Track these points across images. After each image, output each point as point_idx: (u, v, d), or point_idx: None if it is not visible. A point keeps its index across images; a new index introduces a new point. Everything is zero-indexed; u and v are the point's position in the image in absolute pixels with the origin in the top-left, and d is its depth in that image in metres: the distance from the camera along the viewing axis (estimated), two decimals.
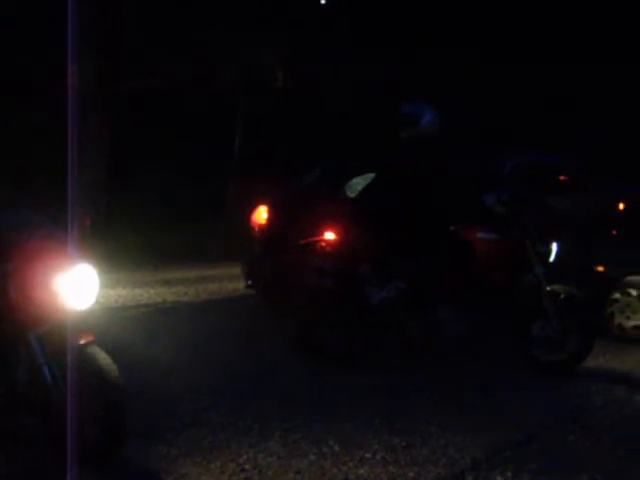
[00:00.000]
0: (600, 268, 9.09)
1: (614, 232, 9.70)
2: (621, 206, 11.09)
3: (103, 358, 4.77)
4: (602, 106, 17.94)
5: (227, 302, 10.73)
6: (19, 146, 14.10)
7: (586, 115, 17.72)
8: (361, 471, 4.92)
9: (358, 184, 9.55)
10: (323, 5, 17.94)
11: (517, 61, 18.43)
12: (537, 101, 18.27)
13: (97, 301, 4.89)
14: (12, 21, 14.18)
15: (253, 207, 10.22)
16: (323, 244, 7.94)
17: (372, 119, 16.38)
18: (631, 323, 8.85)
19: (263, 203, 10.14)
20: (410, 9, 18.42)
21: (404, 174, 7.49)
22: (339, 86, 17.91)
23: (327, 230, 8.04)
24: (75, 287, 4.70)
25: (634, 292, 8.87)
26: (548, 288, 7.30)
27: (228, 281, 11.88)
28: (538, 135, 16.18)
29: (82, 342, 4.71)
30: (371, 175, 8.12)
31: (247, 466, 4.93)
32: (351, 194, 9.61)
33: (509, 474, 4.91)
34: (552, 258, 7.49)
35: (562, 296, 7.34)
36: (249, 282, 10.13)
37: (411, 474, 4.89)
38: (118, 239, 14.47)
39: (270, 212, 10.02)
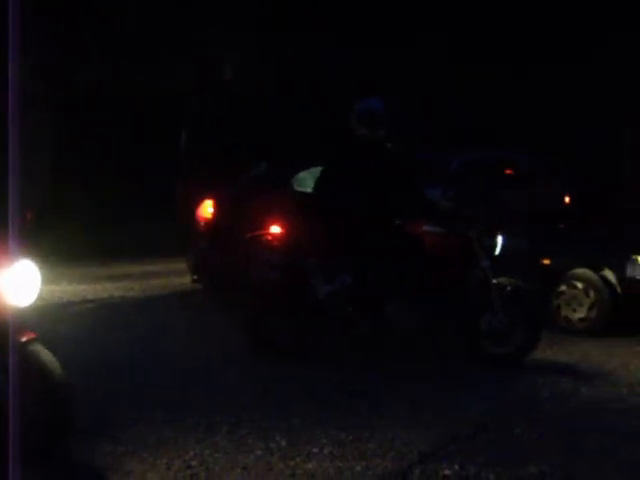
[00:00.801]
0: (546, 261, 9.16)
1: (560, 225, 9.77)
2: (567, 199, 11.17)
3: (46, 355, 4.68)
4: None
5: (173, 297, 10.67)
6: None
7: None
8: (309, 466, 4.90)
9: (305, 178, 9.53)
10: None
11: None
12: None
13: (41, 297, 4.81)
14: None
15: (199, 202, 10.16)
16: (269, 237, 7.92)
17: (322, 116, 16.38)
18: (577, 316, 8.92)
19: (209, 198, 10.09)
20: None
21: (350, 168, 7.47)
22: (289, 83, 17.86)
23: (273, 224, 8.03)
24: (16, 284, 4.62)
25: (580, 285, 8.94)
26: (494, 281, 7.32)
27: (175, 276, 11.82)
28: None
29: (24, 340, 4.63)
30: (317, 169, 8.09)
31: (194, 462, 4.89)
32: (298, 188, 9.59)
33: (456, 467, 4.91)
34: (498, 251, 7.52)
35: (508, 289, 7.38)
36: (195, 277, 10.08)
37: (358, 468, 4.88)
38: (64, 235, 14.32)
39: (216, 206, 9.97)
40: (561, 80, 18.11)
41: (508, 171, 10.81)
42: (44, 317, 7.99)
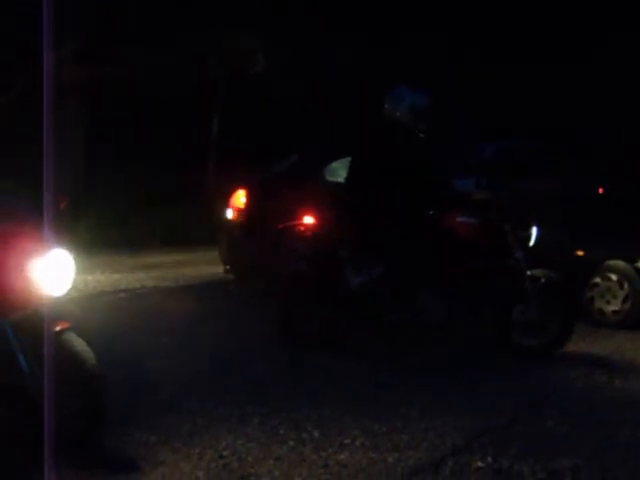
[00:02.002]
0: (580, 252, 9.10)
1: (595, 216, 9.69)
2: (601, 191, 11.10)
3: (79, 345, 4.71)
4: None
5: (206, 287, 10.68)
6: None
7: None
8: (341, 457, 4.89)
9: (337, 168, 9.53)
10: None
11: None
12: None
13: (75, 287, 4.83)
14: None
15: (231, 192, 10.17)
16: (302, 228, 7.90)
17: (351, 103, 16.36)
18: (611, 308, 8.87)
19: (241, 187, 10.09)
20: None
21: (382, 158, 7.45)
22: (317, 71, 17.85)
23: (306, 214, 8.01)
24: (50, 273, 4.64)
25: (614, 277, 8.88)
26: (528, 272, 7.29)
27: (207, 266, 11.84)
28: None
29: (58, 329, 4.65)
30: (349, 159, 8.07)
31: (226, 452, 4.90)
32: (330, 178, 9.58)
33: (489, 459, 4.90)
34: (532, 242, 7.47)
35: (542, 280, 7.34)
36: (227, 267, 10.10)
37: (391, 460, 4.87)
38: (97, 223, 14.40)
39: (248, 196, 9.97)
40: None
41: (543, 162, 10.73)
42: (78, 307, 8.05)
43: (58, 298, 4.73)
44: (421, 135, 7.59)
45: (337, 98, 17.74)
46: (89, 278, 10.46)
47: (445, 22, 18.52)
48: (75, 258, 4.75)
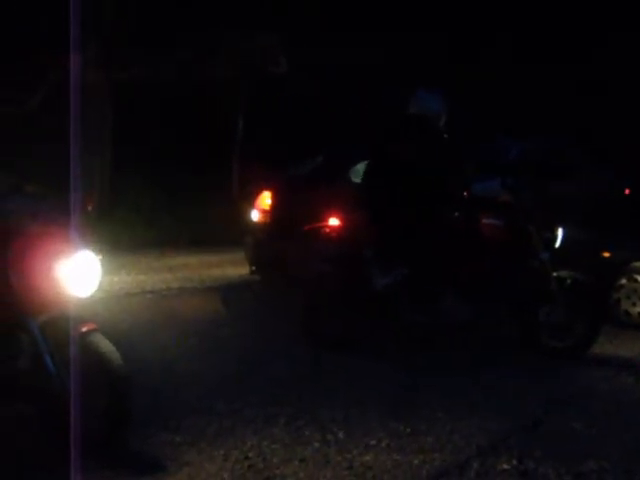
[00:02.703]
0: (606, 254, 9.05)
1: (620, 217, 9.65)
2: (627, 192, 11.05)
3: (106, 346, 4.73)
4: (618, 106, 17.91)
5: (232, 288, 10.70)
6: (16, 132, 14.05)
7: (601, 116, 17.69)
8: (366, 458, 4.90)
9: (362, 170, 9.51)
10: None
11: (518, 61, 18.42)
12: (539, 100, 18.21)
13: (101, 288, 4.85)
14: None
15: (257, 193, 10.18)
16: (327, 229, 7.91)
17: (373, 104, 16.35)
18: (637, 309, 8.81)
19: (267, 189, 10.11)
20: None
21: (407, 160, 7.45)
22: (338, 71, 17.83)
23: (331, 216, 8.01)
24: (77, 274, 4.67)
25: None
26: (554, 274, 7.26)
27: (232, 267, 11.86)
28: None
29: (84, 330, 4.68)
30: (373, 160, 8.07)
31: (251, 454, 4.91)
32: (355, 179, 9.58)
33: (514, 461, 4.89)
34: (558, 244, 7.45)
35: (568, 282, 7.31)
36: (253, 268, 10.11)
37: (416, 461, 4.87)
38: (123, 224, 14.46)
39: (274, 197, 9.98)
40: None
41: (568, 163, 10.69)
42: (104, 308, 8.10)
43: (84, 299, 4.76)
44: (445, 136, 7.59)
45: (358, 98, 17.71)
46: (115, 279, 10.50)
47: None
48: (101, 259, 4.78)
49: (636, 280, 8.83)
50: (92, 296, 4.82)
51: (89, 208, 5.49)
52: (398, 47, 17.69)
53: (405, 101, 7.68)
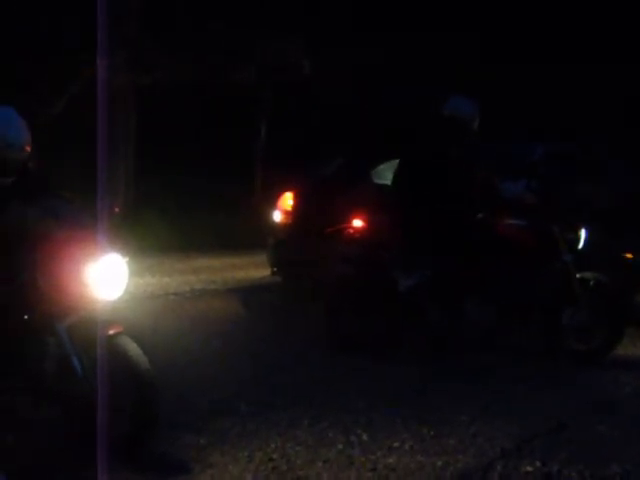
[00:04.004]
0: (629, 255, 9.01)
1: None
2: None
3: (133, 349, 4.76)
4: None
5: (254, 290, 10.74)
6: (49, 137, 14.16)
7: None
8: (389, 460, 4.91)
9: (385, 170, 9.52)
10: None
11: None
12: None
13: (126, 290, 4.89)
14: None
15: (279, 194, 10.21)
16: (350, 231, 7.92)
17: (398, 107, 16.36)
18: None
19: (289, 190, 10.13)
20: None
21: (430, 161, 7.45)
22: (360, 73, 17.85)
23: (354, 217, 8.02)
24: (104, 277, 4.71)
25: None
26: (578, 276, 7.24)
27: (255, 269, 11.89)
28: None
29: (111, 333, 4.72)
30: (397, 162, 8.08)
31: (275, 455, 4.93)
32: (377, 181, 9.59)
33: (538, 464, 4.89)
34: (581, 245, 7.42)
35: (592, 284, 7.28)
36: (274, 269, 10.13)
37: (439, 463, 4.88)
38: (147, 227, 14.53)
39: (296, 199, 10.00)
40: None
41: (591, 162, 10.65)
42: (130, 310, 8.13)
43: (111, 302, 4.80)
44: (469, 139, 7.58)
45: (380, 100, 17.72)
46: (140, 281, 10.56)
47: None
48: (128, 261, 4.82)
49: None
50: (119, 298, 4.86)
51: (116, 210, 5.54)
52: (419, 47, 17.68)
53: (437, 102, 7.68)
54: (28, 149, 4.98)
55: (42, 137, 13.68)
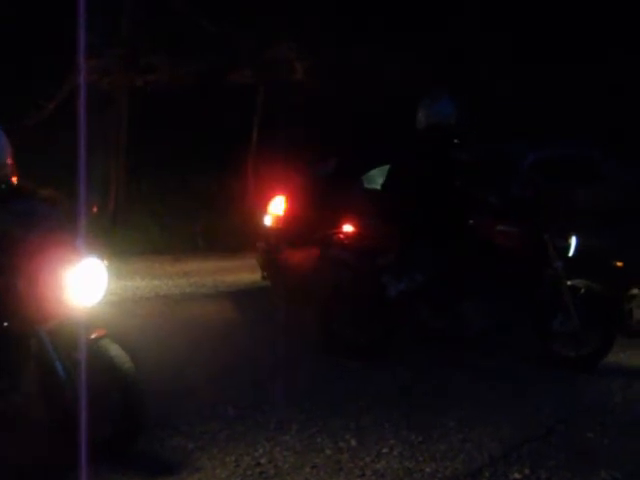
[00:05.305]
0: (619, 263, 9.00)
1: (634, 226, 9.56)
2: None
3: (115, 350, 4.74)
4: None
5: (244, 294, 10.72)
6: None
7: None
8: (378, 466, 4.90)
9: (376, 176, 9.51)
10: None
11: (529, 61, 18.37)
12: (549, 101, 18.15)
13: (115, 292, 4.89)
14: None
15: (270, 197, 10.18)
16: (341, 236, 7.89)
17: (387, 110, 16.33)
18: None
19: (280, 194, 10.10)
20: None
21: (420, 166, 7.45)
22: (354, 78, 17.81)
23: (344, 222, 8.00)
24: (83, 282, 4.68)
25: None
26: (568, 283, 7.23)
27: (247, 273, 11.86)
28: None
29: (93, 336, 4.70)
30: (388, 167, 8.07)
31: (263, 460, 4.92)
32: (368, 186, 9.58)
33: (527, 471, 4.88)
34: (572, 252, 7.41)
35: (582, 291, 7.27)
36: (265, 274, 10.11)
37: (428, 470, 4.87)
38: (137, 229, 14.50)
39: (287, 203, 9.97)
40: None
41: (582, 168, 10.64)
42: (118, 312, 8.10)
43: (93, 306, 4.78)
44: (456, 141, 7.57)
45: (372, 103, 17.69)
46: (129, 284, 10.51)
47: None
48: (114, 264, 4.81)
49: None
50: (103, 301, 4.83)
51: (94, 210, 5.53)
52: (403, 49, 17.66)
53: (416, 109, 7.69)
54: (9, 162, 4.97)
55: (34, 138, 13.74)
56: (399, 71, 17.01)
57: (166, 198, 16.65)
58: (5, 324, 4.77)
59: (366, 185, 9.60)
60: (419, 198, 7.37)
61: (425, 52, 17.20)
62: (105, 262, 4.83)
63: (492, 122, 14.60)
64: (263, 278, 10.19)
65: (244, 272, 11.98)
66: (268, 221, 10.05)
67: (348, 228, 7.92)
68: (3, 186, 4.92)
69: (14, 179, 5.03)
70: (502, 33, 17.99)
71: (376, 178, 9.41)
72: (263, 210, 10.23)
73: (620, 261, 8.94)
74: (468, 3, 18.65)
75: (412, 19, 17.74)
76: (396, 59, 17.15)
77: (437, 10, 18.18)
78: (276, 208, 9.99)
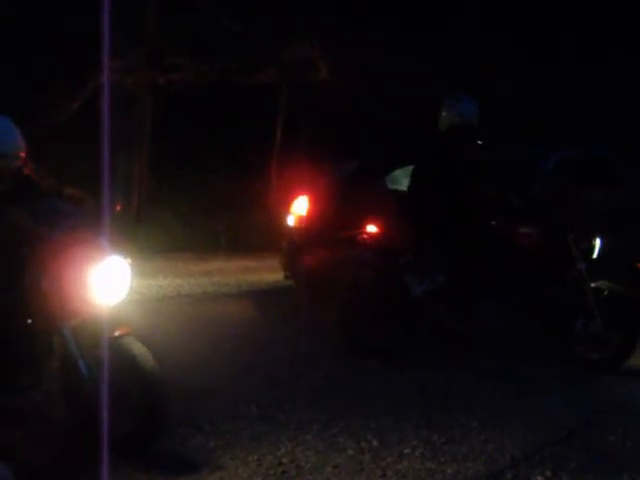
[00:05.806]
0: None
1: None
2: None
3: (138, 349, 4.76)
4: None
5: (267, 293, 10.73)
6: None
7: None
8: (399, 467, 4.89)
9: (399, 176, 9.51)
10: None
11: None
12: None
13: (139, 291, 4.91)
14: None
15: (293, 197, 10.19)
16: (365, 236, 7.89)
17: (410, 111, 16.30)
18: None
19: (303, 193, 10.10)
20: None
21: (443, 167, 7.44)
22: (378, 77, 17.77)
23: (367, 222, 8.00)
24: (106, 280, 4.71)
25: None
26: (592, 284, 7.19)
27: (269, 272, 11.86)
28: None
29: (116, 334, 4.72)
30: (411, 167, 8.06)
31: (285, 460, 4.92)
32: (391, 186, 9.57)
33: (548, 473, 4.86)
34: (595, 254, 7.38)
35: (606, 293, 7.24)
36: (287, 273, 10.12)
37: (450, 471, 4.86)
38: (161, 228, 14.54)
39: (310, 203, 9.97)
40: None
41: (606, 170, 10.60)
42: (141, 311, 8.13)
43: (117, 304, 4.80)
44: (479, 142, 7.57)
45: (397, 103, 17.65)
46: (152, 282, 10.53)
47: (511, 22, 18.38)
48: (138, 262, 4.82)
49: None
50: (127, 300, 4.86)
51: (118, 210, 5.56)
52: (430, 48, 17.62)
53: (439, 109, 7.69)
54: (22, 155, 5.02)
55: (58, 136, 13.80)
56: (410, 71, 16.98)
57: (188, 197, 16.68)
58: (29, 321, 4.81)
59: (390, 185, 9.59)
60: (442, 199, 7.36)
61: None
62: (129, 260, 4.85)
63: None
64: (286, 278, 10.20)
65: (267, 272, 11.99)
66: (291, 221, 10.06)
67: (371, 228, 7.92)
68: (9, 182, 4.96)
69: (27, 172, 5.07)
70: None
71: (399, 178, 9.41)
72: (286, 210, 10.24)
73: None
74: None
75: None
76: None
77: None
78: (299, 208, 9.99)
